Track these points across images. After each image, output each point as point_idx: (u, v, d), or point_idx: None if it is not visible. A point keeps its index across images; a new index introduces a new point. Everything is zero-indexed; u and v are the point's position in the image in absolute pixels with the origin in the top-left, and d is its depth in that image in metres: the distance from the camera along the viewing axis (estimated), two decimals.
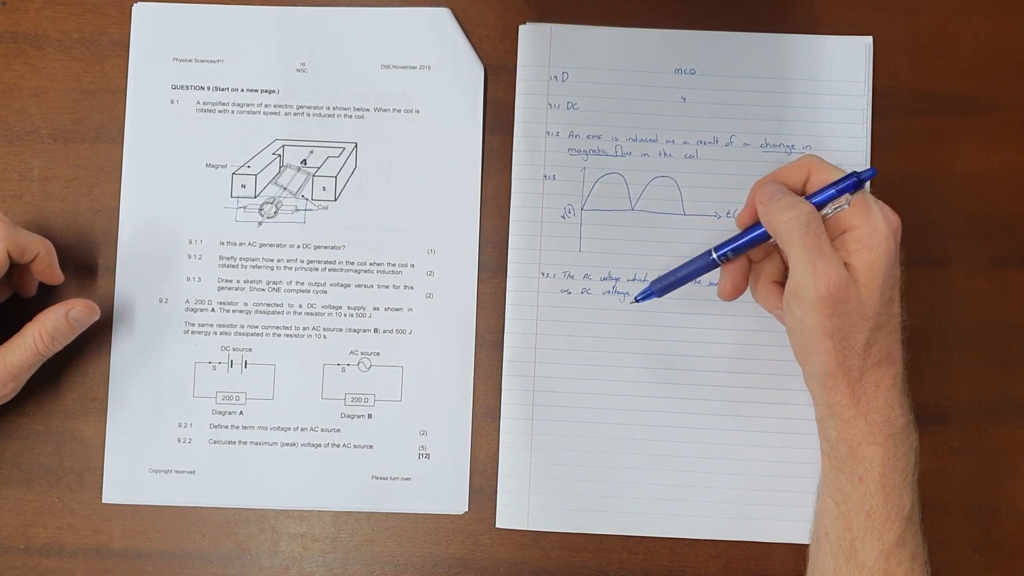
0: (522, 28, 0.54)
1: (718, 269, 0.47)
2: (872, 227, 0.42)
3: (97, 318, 0.49)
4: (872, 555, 0.42)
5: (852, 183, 0.42)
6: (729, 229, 0.52)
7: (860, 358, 0.42)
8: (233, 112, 0.53)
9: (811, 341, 0.42)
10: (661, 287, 0.48)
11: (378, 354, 0.52)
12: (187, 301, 0.52)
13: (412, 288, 0.53)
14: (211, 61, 0.54)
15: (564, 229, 0.53)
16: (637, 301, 0.49)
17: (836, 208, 0.42)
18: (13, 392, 0.48)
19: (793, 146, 0.53)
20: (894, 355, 0.43)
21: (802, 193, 0.44)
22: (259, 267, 0.53)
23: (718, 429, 0.52)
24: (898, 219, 0.43)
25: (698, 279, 0.50)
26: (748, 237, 0.45)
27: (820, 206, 0.43)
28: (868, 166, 0.53)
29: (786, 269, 0.46)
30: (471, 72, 0.53)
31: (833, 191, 0.43)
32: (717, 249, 0.46)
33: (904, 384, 0.43)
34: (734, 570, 0.52)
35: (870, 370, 0.42)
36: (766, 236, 0.45)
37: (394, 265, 0.53)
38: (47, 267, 0.49)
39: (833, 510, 0.43)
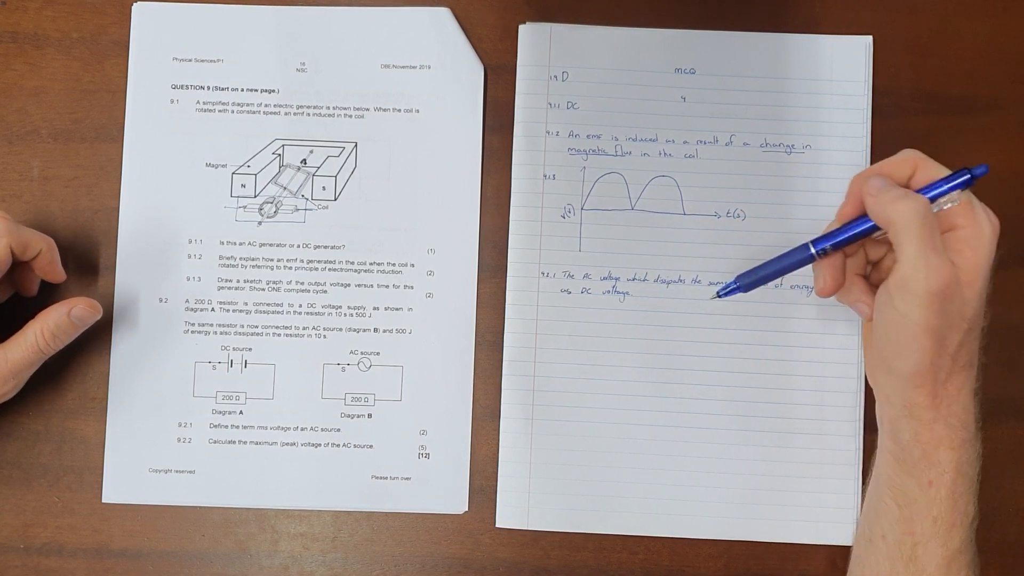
0: (522, 28, 0.54)
1: (806, 265, 0.46)
2: (978, 228, 0.41)
3: (99, 317, 0.49)
4: (934, 561, 0.41)
5: (966, 180, 0.41)
6: (730, 228, 0.53)
7: (951, 359, 0.41)
8: (233, 112, 0.53)
9: (910, 337, 0.41)
10: (749, 282, 0.46)
11: (378, 354, 0.52)
12: (187, 301, 0.52)
13: (412, 288, 0.53)
14: (211, 61, 0.53)
15: (564, 229, 0.53)
16: (720, 296, 0.47)
17: (945, 205, 0.41)
18: (14, 390, 0.48)
19: (793, 146, 0.53)
20: (974, 359, 0.42)
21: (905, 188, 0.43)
22: (259, 267, 0.53)
23: (718, 429, 0.52)
24: (998, 222, 0.42)
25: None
26: (855, 230, 0.44)
27: (931, 195, 0.41)
28: (869, 164, 0.53)
29: (869, 263, 0.46)
30: (471, 72, 0.53)
31: (946, 187, 0.41)
32: (816, 243, 0.44)
33: (978, 389, 0.43)
34: (734, 570, 0.52)
35: (956, 372, 0.41)
36: (874, 229, 0.43)
37: (394, 265, 0.53)
38: (49, 264, 0.49)
39: (895, 513, 0.42)
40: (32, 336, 0.47)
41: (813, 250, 0.44)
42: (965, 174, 0.41)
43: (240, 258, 0.53)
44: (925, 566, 0.41)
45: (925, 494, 0.41)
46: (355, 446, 0.52)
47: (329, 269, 0.53)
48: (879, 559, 0.43)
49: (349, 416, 0.52)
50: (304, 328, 0.52)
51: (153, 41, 0.53)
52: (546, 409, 0.52)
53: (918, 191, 0.42)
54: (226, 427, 0.52)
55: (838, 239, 0.44)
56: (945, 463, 0.41)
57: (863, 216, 0.43)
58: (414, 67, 0.54)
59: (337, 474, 0.52)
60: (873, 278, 0.46)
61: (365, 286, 0.53)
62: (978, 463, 0.43)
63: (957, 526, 0.41)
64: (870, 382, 0.45)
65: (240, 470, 0.52)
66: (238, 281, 0.53)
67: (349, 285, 0.53)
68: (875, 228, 0.43)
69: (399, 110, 0.53)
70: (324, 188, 0.53)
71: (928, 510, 0.41)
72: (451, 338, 0.52)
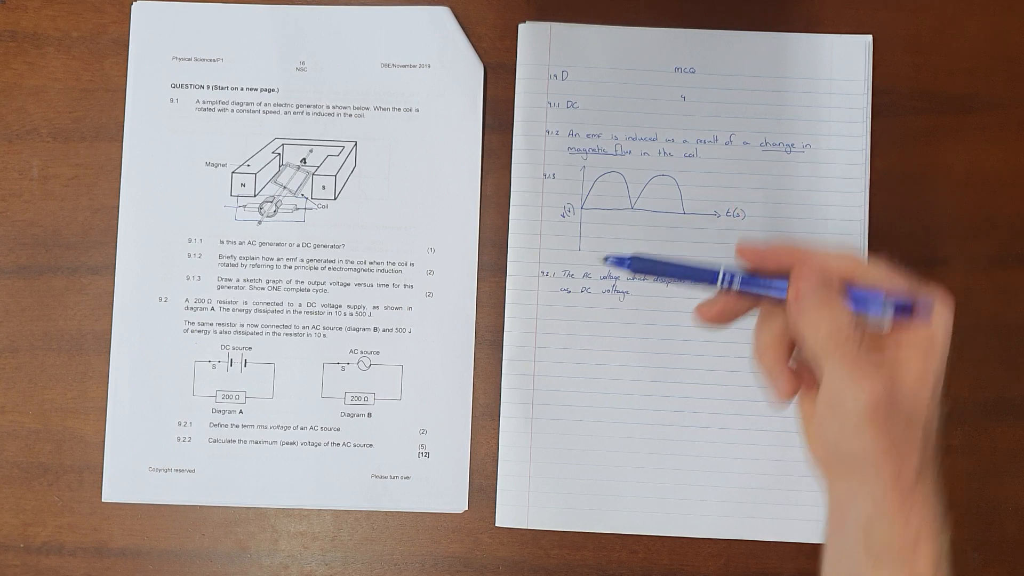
0: (522, 27, 0.54)
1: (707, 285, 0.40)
2: (929, 335, 0.37)
3: None
4: None
5: (906, 308, 0.37)
6: (729, 228, 0.53)
7: (915, 473, 0.37)
8: (233, 111, 0.53)
9: (860, 461, 0.36)
10: (640, 266, 0.40)
11: (378, 353, 0.52)
12: (187, 300, 0.52)
13: (412, 287, 0.53)
14: (211, 60, 0.53)
15: (564, 228, 0.53)
16: (606, 262, 0.40)
17: (880, 322, 0.37)
18: None
19: (793, 145, 0.53)
20: (934, 451, 0.38)
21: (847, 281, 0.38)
22: (259, 266, 0.53)
23: (718, 427, 0.52)
24: (951, 318, 0.37)
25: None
26: (766, 291, 0.38)
27: (863, 310, 0.37)
28: (868, 166, 0.53)
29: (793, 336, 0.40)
30: (471, 71, 0.53)
31: (880, 310, 0.37)
32: (728, 274, 0.38)
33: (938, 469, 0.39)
34: (734, 568, 0.52)
35: (923, 477, 0.37)
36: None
37: (394, 264, 0.53)
38: None
39: None
40: None
41: (719, 279, 0.39)
42: (907, 306, 0.37)
43: (240, 257, 0.53)
44: None
45: None
46: (355, 445, 0.52)
47: (329, 268, 0.53)
48: None
49: (349, 415, 0.52)
50: (304, 327, 0.52)
51: (153, 40, 0.53)
52: (546, 408, 0.52)
53: (854, 293, 0.37)
54: (226, 426, 0.52)
55: (746, 288, 0.38)
56: (925, 555, 0.37)
57: (782, 278, 0.38)
58: (414, 66, 0.54)
59: (337, 473, 0.52)
60: (798, 368, 0.40)
61: (365, 285, 0.53)
62: (946, 535, 0.38)
63: None
64: (814, 467, 0.40)
65: (240, 469, 0.52)
66: (238, 280, 0.53)
67: (349, 284, 0.53)
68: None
69: (399, 109, 0.53)
70: (324, 187, 0.53)
71: None
72: (451, 337, 0.52)
